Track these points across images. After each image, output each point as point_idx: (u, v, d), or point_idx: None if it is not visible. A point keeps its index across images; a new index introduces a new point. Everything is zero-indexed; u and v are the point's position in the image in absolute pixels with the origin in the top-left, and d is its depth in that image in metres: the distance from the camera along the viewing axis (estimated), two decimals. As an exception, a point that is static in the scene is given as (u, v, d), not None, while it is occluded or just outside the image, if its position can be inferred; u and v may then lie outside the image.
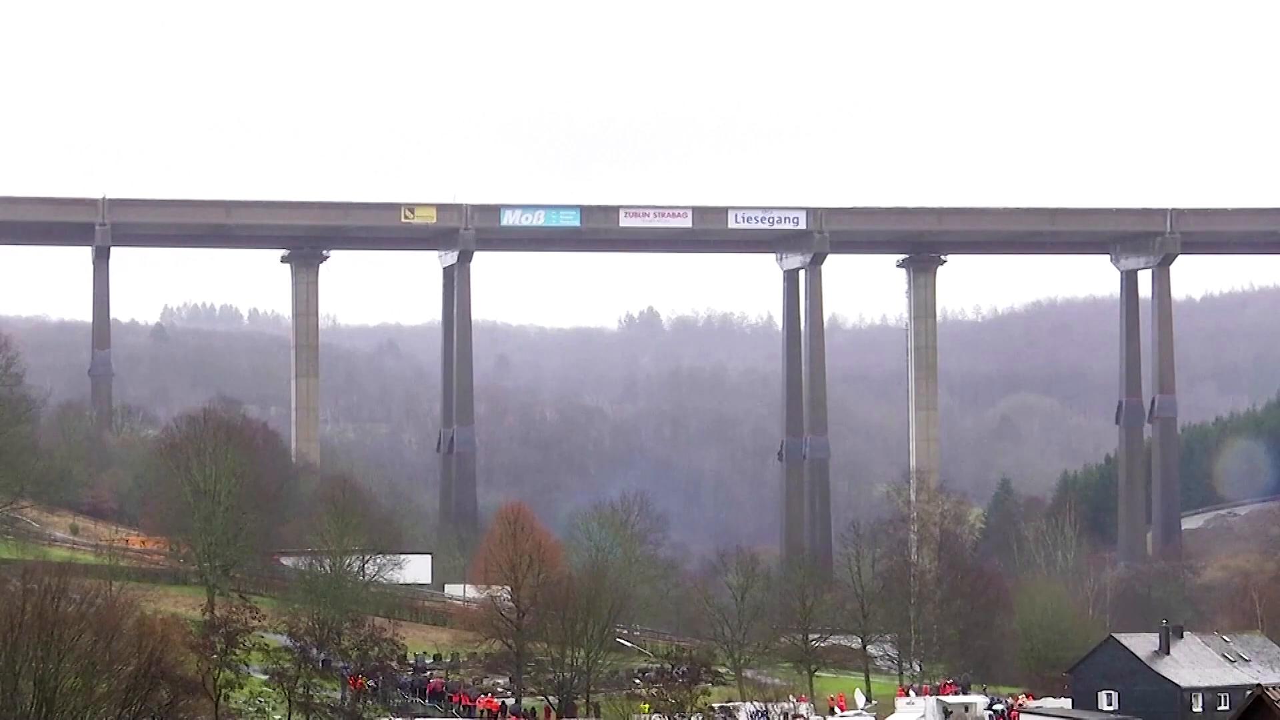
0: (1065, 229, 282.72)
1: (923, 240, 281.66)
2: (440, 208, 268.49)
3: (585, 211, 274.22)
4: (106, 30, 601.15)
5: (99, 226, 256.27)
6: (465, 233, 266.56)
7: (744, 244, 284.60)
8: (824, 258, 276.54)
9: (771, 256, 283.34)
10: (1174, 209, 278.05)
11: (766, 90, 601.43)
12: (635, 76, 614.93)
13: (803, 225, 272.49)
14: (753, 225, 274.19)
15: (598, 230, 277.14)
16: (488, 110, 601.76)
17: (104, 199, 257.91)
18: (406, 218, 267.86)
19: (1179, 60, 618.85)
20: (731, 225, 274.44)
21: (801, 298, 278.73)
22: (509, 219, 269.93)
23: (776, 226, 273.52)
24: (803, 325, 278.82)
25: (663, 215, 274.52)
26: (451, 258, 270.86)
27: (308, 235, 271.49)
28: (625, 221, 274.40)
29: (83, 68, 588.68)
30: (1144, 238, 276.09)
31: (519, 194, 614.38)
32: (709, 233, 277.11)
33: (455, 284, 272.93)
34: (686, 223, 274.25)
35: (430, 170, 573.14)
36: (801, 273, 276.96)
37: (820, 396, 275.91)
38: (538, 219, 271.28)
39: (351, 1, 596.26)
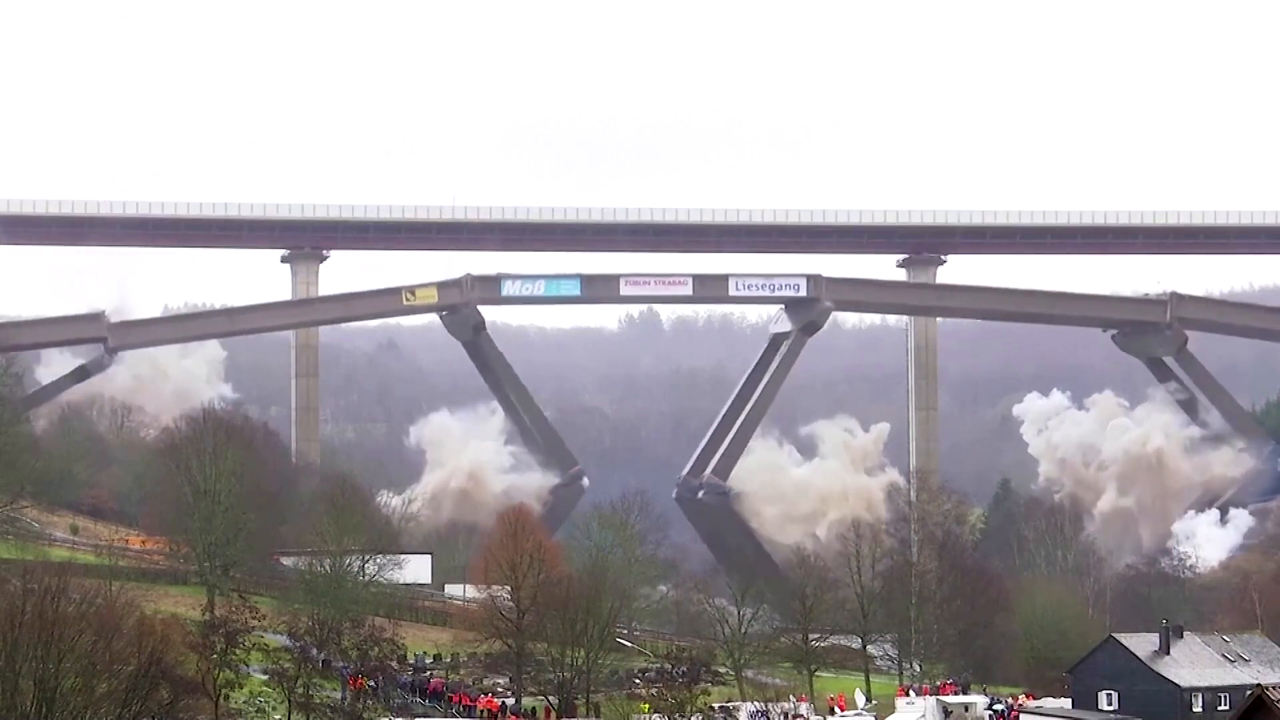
0: (1063, 313, 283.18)
1: (918, 309, 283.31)
2: (440, 286, 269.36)
3: (585, 281, 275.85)
4: (106, 30, 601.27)
5: (106, 347, 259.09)
6: (467, 312, 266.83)
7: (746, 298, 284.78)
8: (817, 328, 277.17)
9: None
10: (1174, 295, 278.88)
11: (766, 94, 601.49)
12: (635, 79, 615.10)
13: (803, 292, 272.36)
14: (754, 293, 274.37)
15: (599, 297, 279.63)
16: (487, 113, 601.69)
17: (108, 318, 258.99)
18: (408, 300, 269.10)
19: (1179, 61, 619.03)
20: (732, 293, 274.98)
21: (776, 359, 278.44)
22: (509, 289, 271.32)
23: (778, 294, 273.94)
24: (764, 377, 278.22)
25: (663, 284, 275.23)
26: (468, 333, 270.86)
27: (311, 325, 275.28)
28: (626, 290, 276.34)
29: (82, 68, 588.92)
30: (1147, 327, 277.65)
31: (517, 196, 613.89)
32: (710, 299, 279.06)
33: (483, 352, 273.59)
34: (687, 290, 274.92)
35: (430, 171, 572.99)
36: (786, 339, 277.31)
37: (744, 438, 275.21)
38: (538, 289, 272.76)
39: (352, 3, 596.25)
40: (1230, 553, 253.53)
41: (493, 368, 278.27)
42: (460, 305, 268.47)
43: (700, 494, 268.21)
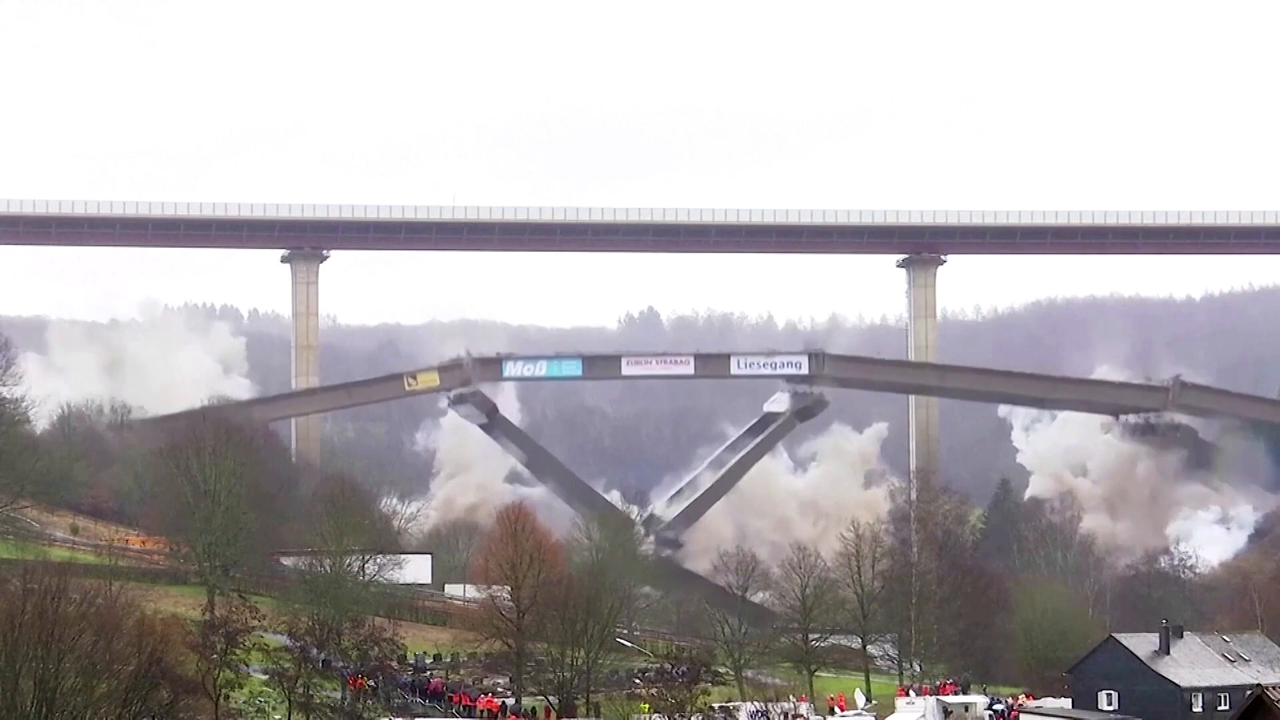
0: (1065, 396, 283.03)
1: (919, 388, 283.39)
2: (442, 370, 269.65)
3: (587, 361, 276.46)
4: (106, 30, 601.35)
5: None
6: (478, 399, 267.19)
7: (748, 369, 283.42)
8: (811, 415, 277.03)
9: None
10: (1176, 380, 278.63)
11: (766, 94, 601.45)
12: (635, 79, 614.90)
13: (804, 370, 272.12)
14: (755, 371, 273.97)
15: (601, 377, 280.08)
16: (486, 114, 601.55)
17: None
18: (410, 385, 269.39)
19: (1179, 61, 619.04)
20: (734, 371, 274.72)
21: (762, 435, 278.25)
22: (511, 370, 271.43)
23: (779, 371, 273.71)
24: (746, 448, 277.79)
25: (665, 363, 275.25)
26: (482, 417, 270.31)
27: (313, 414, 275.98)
28: (628, 369, 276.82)
29: (82, 68, 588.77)
30: (1148, 412, 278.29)
31: (517, 196, 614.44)
32: (712, 376, 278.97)
33: (500, 431, 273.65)
34: (689, 369, 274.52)
35: (429, 172, 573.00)
36: (778, 419, 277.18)
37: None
38: (540, 370, 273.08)
39: (352, 5, 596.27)
40: (1236, 553, 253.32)
41: (512, 440, 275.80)
42: (467, 393, 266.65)
43: (650, 540, 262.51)
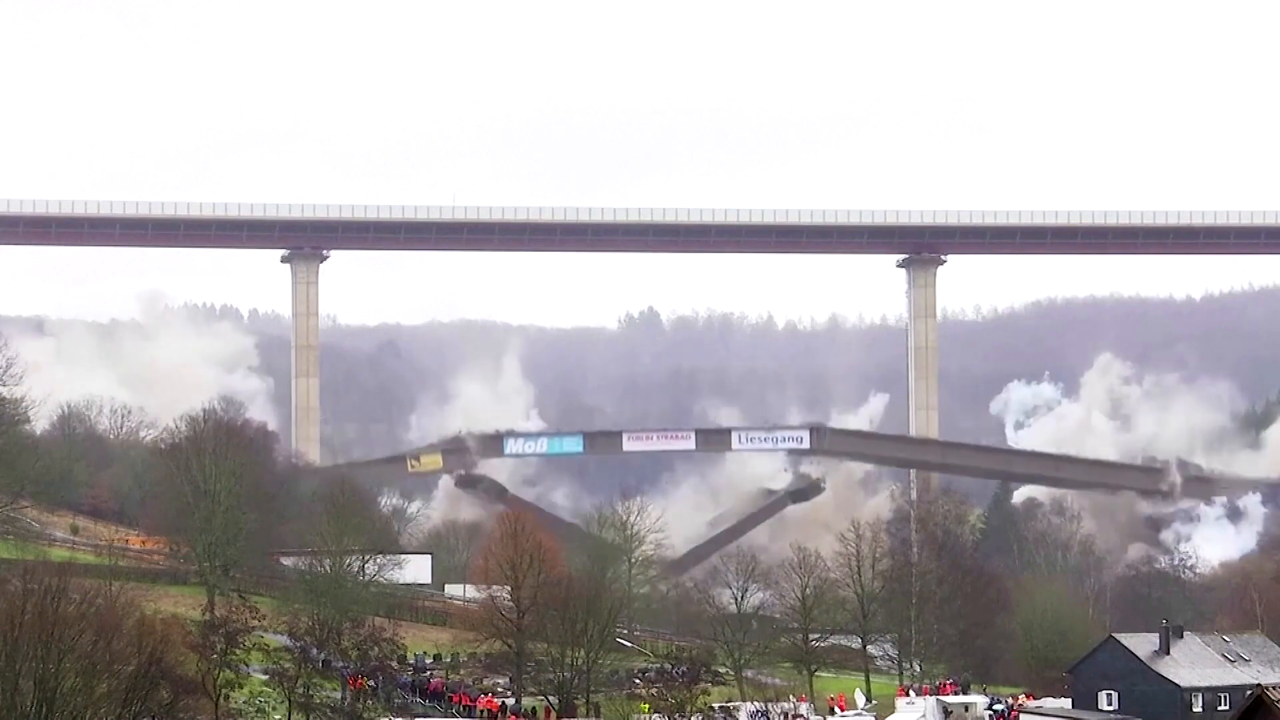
0: (1070, 476, 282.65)
1: (920, 463, 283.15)
2: (445, 452, 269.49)
3: (588, 438, 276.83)
4: (106, 30, 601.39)
5: None
6: (487, 483, 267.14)
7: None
8: (805, 498, 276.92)
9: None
10: (1179, 461, 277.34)
11: (766, 95, 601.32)
12: (636, 79, 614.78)
13: (806, 445, 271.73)
14: (757, 445, 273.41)
15: (602, 452, 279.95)
16: (486, 114, 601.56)
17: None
18: (413, 467, 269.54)
19: (1179, 61, 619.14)
20: (735, 446, 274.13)
21: (756, 506, 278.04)
22: (512, 448, 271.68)
23: (780, 446, 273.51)
24: (738, 517, 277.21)
25: (666, 438, 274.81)
26: (493, 501, 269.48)
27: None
28: (629, 445, 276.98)
29: (82, 68, 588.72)
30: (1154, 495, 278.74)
31: (517, 196, 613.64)
32: (713, 449, 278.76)
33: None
34: (690, 444, 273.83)
35: (429, 172, 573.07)
36: (772, 496, 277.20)
37: None
38: (541, 447, 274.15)
39: (352, 5, 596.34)
40: (1242, 553, 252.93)
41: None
42: (475, 476, 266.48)
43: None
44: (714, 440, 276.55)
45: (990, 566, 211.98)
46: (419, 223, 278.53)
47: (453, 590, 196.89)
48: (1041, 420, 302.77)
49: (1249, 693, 77.28)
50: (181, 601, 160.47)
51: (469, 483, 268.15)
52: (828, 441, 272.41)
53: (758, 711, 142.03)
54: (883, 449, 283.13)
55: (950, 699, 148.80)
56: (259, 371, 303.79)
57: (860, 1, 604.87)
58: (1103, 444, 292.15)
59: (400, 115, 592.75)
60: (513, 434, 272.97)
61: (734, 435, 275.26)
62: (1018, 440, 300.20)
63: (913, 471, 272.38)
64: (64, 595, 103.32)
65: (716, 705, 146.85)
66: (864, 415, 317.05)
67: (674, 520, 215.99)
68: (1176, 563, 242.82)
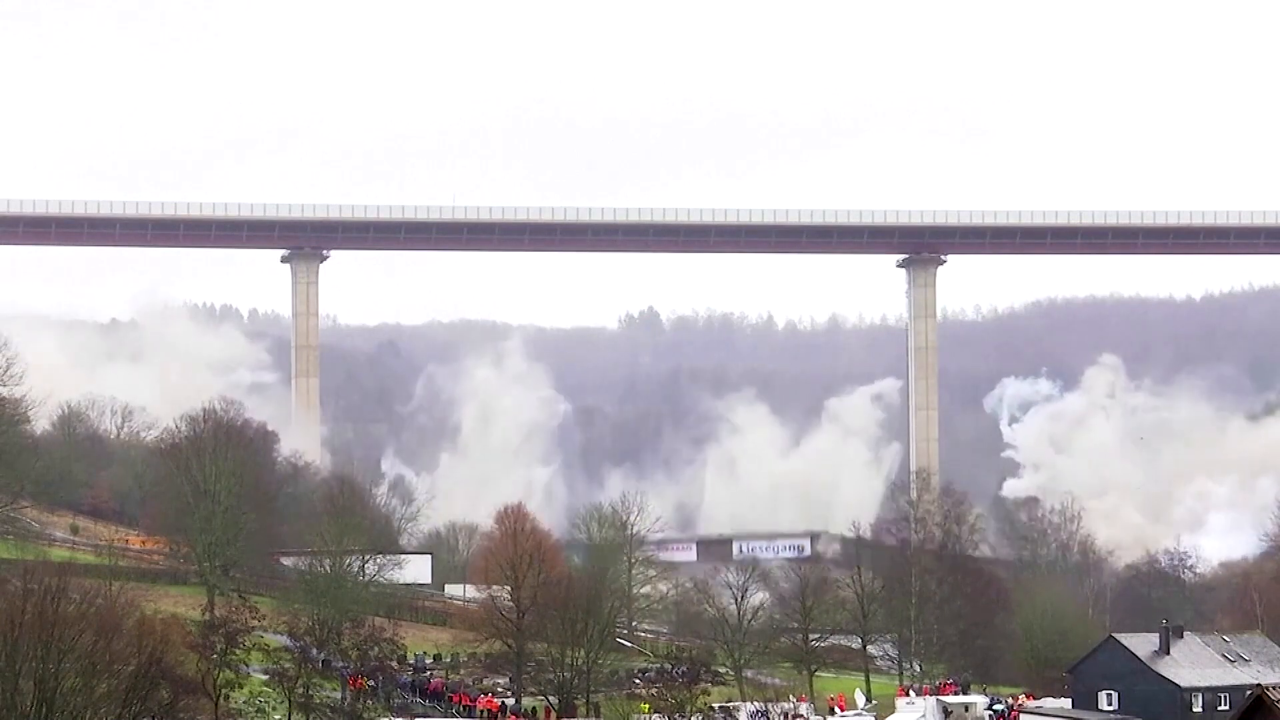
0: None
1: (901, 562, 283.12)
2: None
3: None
4: (106, 30, 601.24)
5: None
6: None
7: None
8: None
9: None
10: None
11: (766, 95, 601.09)
12: (636, 79, 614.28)
13: (807, 553, 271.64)
14: (757, 555, 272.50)
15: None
16: (487, 114, 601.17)
17: None
18: None
19: (1180, 61, 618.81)
20: (736, 555, 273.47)
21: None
22: None
23: (780, 555, 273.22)
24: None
25: (667, 549, 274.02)
26: None
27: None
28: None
29: (82, 68, 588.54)
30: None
31: (517, 196, 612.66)
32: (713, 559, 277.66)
33: None
34: (690, 556, 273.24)
35: (429, 172, 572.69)
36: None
37: None
38: None
39: (352, 5, 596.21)
40: (1246, 552, 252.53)
41: None
42: None
43: None
44: (714, 550, 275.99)
45: (990, 566, 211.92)
46: (419, 223, 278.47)
47: (453, 590, 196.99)
48: (1036, 416, 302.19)
49: (1249, 693, 77.27)
50: (181, 601, 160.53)
51: None
52: (827, 544, 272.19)
53: (758, 711, 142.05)
54: (880, 557, 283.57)
55: (950, 699, 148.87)
56: (259, 371, 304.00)
57: (860, 2, 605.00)
58: (1101, 440, 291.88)
59: (400, 115, 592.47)
60: None
61: (735, 544, 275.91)
62: (1013, 436, 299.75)
63: (913, 472, 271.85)
64: (64, 595, 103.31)
65: (716, 705, 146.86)
66: (864, 415, 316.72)
67: None
68: (1176, 562, 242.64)
